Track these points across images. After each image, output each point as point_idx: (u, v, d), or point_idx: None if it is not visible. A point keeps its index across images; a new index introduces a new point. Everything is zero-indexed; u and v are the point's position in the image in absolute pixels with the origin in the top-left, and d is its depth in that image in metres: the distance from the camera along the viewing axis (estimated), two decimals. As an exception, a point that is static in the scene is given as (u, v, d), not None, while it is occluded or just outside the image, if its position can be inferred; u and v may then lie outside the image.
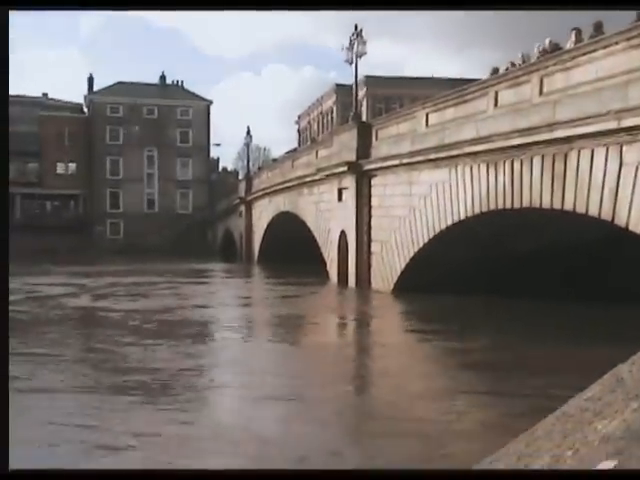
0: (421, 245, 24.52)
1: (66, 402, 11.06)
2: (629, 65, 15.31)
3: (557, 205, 17.81)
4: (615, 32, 16.06)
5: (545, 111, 17.97)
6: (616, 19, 16.98)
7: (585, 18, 18.54)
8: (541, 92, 18.36)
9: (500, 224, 22.01)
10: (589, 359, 12.69)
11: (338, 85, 75.30)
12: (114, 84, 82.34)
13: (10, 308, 21.89)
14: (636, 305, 18.07)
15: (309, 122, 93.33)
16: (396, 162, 25.93)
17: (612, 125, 15.49)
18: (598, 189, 16.33)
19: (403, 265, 25.69)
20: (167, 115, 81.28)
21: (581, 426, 2.90)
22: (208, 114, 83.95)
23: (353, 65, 30.64)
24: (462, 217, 22.21)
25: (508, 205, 19.93)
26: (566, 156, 17.37)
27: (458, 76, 58.60)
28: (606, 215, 16.18)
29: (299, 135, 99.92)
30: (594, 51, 16.50)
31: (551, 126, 17.52)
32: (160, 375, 13.07)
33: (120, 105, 79.95)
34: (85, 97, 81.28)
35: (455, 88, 23.75)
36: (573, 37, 18.80)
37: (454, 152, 22.13)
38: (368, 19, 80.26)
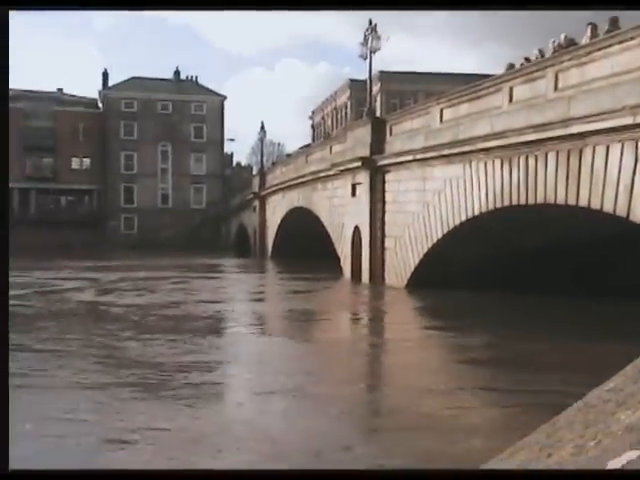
0: (435, 241, 24.48)
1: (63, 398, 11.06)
2: (645, 60, 15.24)
3: (572, 201, 17.75)
4: (631, 27, 15.98)
5: (560, 107, 17.90)
6: (632, 14, 16.85)
7: (601, 13, 18.43)
8: (556, 87, 18.29)
9: (514, 220, 21.94)
10: (603, 354, 12.67)
11: (352, 80, 75.21)
12: (128, 79, 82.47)
13: (17, 302, 22.32)
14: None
15: (323, 117, 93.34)
16: (410, 158, 25.89)
17: (627, 121, 15.41)
18: (613, 185, 16.26)
19: (417, 261, 25.66)
20: (181, 110, 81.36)
21: (603, 417, 2.90)
22: (222, 109, 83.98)
23: (367, 60, 30.62)
24: (476, 213, 22.16)
25: (522, 201, 19.87)
26: (581, 152, 17.30)
27: (473, 72, 58.46)
28: (621, 211, 16.11)
29: (313, 130, 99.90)
30: (610, 46, 16.42)
31: (566, 122, 17.45)
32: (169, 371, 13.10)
33: (134, 100, 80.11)
34: (100, 92, 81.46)
35: (470, 84, 23.68)
36: (589, 32, 18.71)
37: (468, 148, 22.09)
38: (383, 14, 79.99)
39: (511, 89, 20.34)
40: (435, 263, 24.71)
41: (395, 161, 27.40)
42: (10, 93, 74.73)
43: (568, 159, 17.75)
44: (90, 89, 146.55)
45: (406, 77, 71.77)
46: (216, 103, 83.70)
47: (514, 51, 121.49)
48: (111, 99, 79.99)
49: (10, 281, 26.15)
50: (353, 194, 31.17)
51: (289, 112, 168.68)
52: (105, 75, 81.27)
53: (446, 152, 23.42)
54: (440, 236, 24.17)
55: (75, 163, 78.65)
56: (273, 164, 67.94)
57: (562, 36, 20.33)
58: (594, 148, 16.84)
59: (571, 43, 19.52)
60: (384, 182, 28.57)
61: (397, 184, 27.61)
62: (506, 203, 20.66)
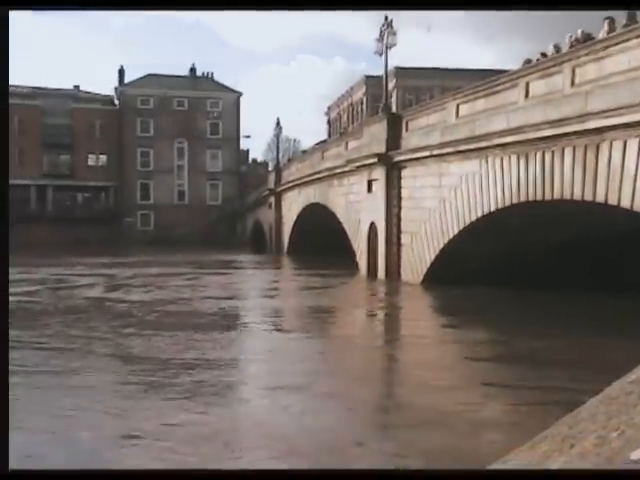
0: (451, 237, 24.45)
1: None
2: (663, 55, 15.16)
3: (588, 197, 17.68)
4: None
5: (577, 102, 17.82)
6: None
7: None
8: (573, 83, 18.20)
9: (530, 216, 21.87)
10: (620, 349, 12.62)
11: (368, 76, 75.13)
12: (145, 76, 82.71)
13: (27, 298, 22.46)
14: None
15: (339, 113, 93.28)
16: (426, 153, 25.85)
17: (645, 116, 15.34)
18: (630, 181, 16.18)
19: (433, 257, 25.63)
20: (197, 107, 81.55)
21: (626, 408, 2.90)
22: (238, 106, 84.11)
23: (383, 56, 30.59)
24: (492, 209, 22.11)
25: (539, 197, 19.81)
26: (598, 147, 17.23)
27: (489, 67, 58.17)
28: (638, 207, 16.03)
29: (329, 126, 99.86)
30: (627, 40, 16.32)
31: (583, 117, 17.37)
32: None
33: (151, 97, 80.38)
34: (116, 89, 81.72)
35: (486, 79, 23.61)
36: (606, 26, 18.61)
37: (484, 143, 22.03)
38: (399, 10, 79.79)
39: (527, 84, 20.27)
40: (451, 259, 24.67)
41: (411, 157, 27.37)
42: (28, 91, 75.57)
43: (585, 154, 17.68)
44: (106, 86, 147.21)
45: (422, 73, 71.60)
46: (232, 100, 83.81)
47: (530, 46, 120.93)
48: (127, 96, 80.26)
49: (25, 277, 26.50)
50: (369, 190, 31.16)
51: (305, 108, 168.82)
52: (121, 72, 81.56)
53: (462, 148, 23.38)
54: (456, 232, 24.13)
55: (92, 160, 78.98)
56: (289, 160, 67.95)
57: (579, 31, 20.24)
58: (611, 143, 16.76)
59: (588, 38, 19.43)
60: (400, 178, 28.55)
61: (413, 180, 27.58)
62: (522, 199, 20.60)
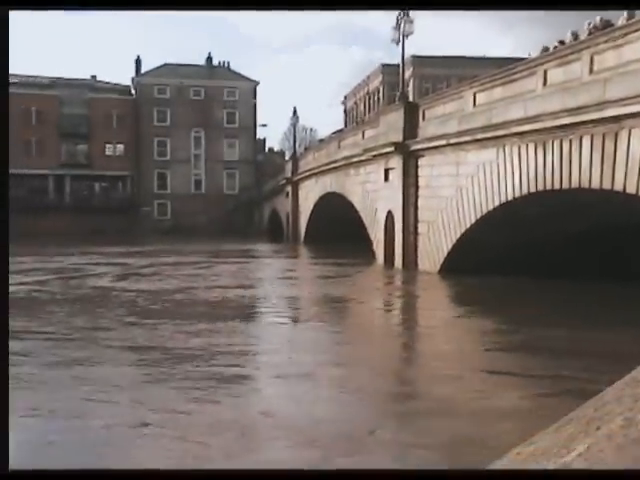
0: (468, 226, 24.39)
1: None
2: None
3: (607, 185, 17.58)
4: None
5: (595, 90, 17.71)
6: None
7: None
8: (591, 70, 18.07)
9: (548, 205, 21.77)
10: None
11: (384, 65, 74.89)
12: (161, 66, 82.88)
13: (38, 287, 22.62)
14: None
15: (355, 102, 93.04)
16: (443, 142, 25.77)
17: (664, 104, 15.23)
18: (649, 169, 16.09)
19: (450, 246, 25.59)
20: (214, 96, 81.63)
21: None
22: (255, 95, 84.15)
23: (400, 45, 30.49)
24: (510, 198, 22.03)
25: (557, 186, 19.71)
26: (616, 135, 17.12)
27: (507, 55, 57.89)
28: (657, 195, 15.95)
29: (345, 115, 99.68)
30: (646, 28, 16.20)
31: (601, 105, 17.26)
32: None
33: (167, 87, 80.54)
34: (132, 79, 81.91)
35: (502, 68, 23.49)
36: (625, 13, 18.46)
37: (502, 132, 21.94)
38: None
39: (545, 72, 20.15)
40: (468, 248, 24.62)
41: (428, 146, 27.29)
42: (46, 81, 75.87)
43: (603, 143, 17.58)
44: (123, 76, 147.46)
45: (438, 61, 71.31)
46: (248, 89, 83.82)
47: (549, 34, 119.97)
48: (144, 86, 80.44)
49: (40, 267, 26.66)
50: (386, 179, 31.11)
51: (321, 97, 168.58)
52: (138, 62, 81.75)
53: (480, 136, 23.29)
54: (473, 221, 24.07)
55: (109, 150, 79.29)
56: (305, 149, 67.96)
57: (597, 18, 20.09)
58: (630, 131, 16.65)
59: (607, 25, 19.29)
60: (417, 167, 28.48)
61: (430, 169, 27.51)
62: (540, 188, 20.51)
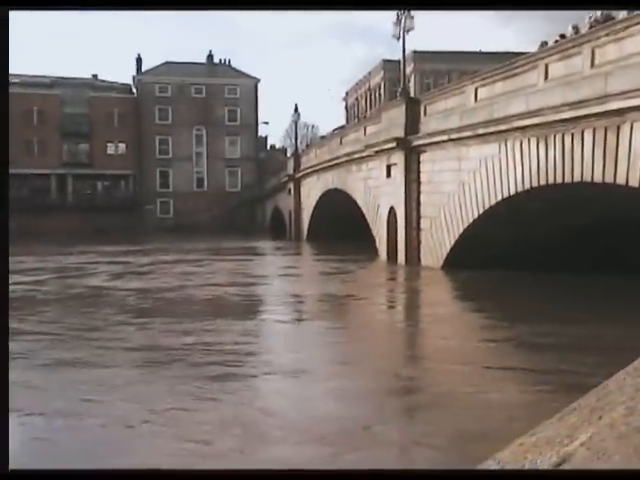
0: (470, 221, 24.37)
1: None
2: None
3: (609, 179, 17.56)
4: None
5: (597, 83, 17.68)
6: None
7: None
8: (593, 64, 18.04)
9: (550, 200, 21.75)
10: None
11: (386, 61, 74.89)
12: (162, 64, 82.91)
13: (33, 287, 22.63)
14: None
15: (357, 99, 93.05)
16: (445, 137, 25.75)
17: (666, 96, 15.20)
18: (652, 162, 16.07)
19: (452, 241, 25.58)
20: (215, 94, 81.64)
21: None
22: (256, 92, 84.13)
23: (401, 40, 30.46)
24: (512, 192, 22.01)
25: (559, 180, 19.69)
26: (618, 129, 17.09)
27: (508, 50, 57.83)
28: (660, 188, 15.93)
29: (347, 112, 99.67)
30: (648, 20, 16.17)
31: (603, 98, 17.23)
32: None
33: (168, 85, 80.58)
34: (134, 78, 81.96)
35: (504, 62, 23.45)
36: (625, 9, 18.42)
37: (503, 127, 21.91)
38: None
39: (546, 66, 20.11)
40: (471, 244, 24.61)
41: (430, 141, 27.27)
42: (47, 81, 75.88)
43: (605, 136, 17.56)
44: (124, 75, 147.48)
45: (439, 56, 71.28)
46: (250, 86, 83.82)
47: (550, 27, 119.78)
48: (145, 84, 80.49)
49: (40, 266, 26.68)
50: (388, 175, 31.09)
51: (323, 94, 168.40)
52: (139, 60, 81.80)
53: (481, 131, 23.27)
54: (476, 216, 24.05)
55: (111, 149, 79.36)
56: (307, 146, 67.95)
57: (598, 11, 20.03)
58: (632, 125, 16.63)
59: (608, 18, 19.23)
60: (419, 162, 28.46)
61: (432, 164, 27.50)
62: (542, 182, 20.49)
